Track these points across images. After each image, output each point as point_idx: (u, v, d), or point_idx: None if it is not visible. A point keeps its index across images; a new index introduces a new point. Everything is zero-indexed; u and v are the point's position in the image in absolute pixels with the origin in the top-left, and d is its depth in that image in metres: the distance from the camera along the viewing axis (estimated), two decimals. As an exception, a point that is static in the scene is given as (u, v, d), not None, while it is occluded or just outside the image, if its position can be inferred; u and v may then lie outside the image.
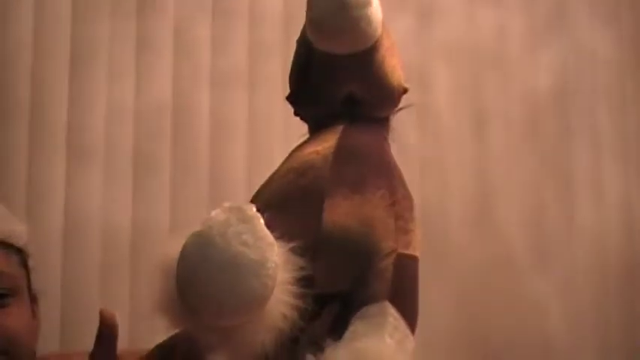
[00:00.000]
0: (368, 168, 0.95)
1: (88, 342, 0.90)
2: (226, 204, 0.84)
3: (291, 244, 0.84)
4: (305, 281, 0.88)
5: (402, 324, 0.87)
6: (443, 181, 2.39)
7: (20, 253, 1.29)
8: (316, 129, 1.07)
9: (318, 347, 0.82)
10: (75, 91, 2.13)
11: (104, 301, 2.04)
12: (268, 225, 0.83)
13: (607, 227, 2.48)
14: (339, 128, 1.01)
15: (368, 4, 0.99)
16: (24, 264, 1.25)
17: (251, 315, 0.79)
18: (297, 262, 0.84)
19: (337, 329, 0.86)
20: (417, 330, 0.93)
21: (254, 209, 0.82)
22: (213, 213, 0.84)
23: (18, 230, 1.29)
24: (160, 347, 0.94)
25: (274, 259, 0.80)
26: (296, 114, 1.15)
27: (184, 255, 0.80)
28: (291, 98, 1.13)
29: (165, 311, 0.82)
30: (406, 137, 2.33)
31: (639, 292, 2.47)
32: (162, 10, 2.23)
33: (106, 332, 0.84)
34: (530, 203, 2.45)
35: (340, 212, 0.90)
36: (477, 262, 2.37)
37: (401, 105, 1.14)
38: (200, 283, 0.78)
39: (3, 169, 2.04)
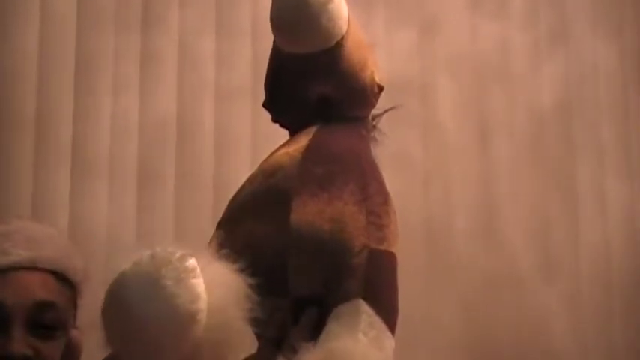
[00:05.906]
0: (337, 166, 0.92)
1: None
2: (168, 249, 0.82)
3: (247, 283, 0.83)
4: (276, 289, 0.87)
5: (377, 321, 0.85)
6: (447, 195, 2.39)
7: (73, 289, 1.29)
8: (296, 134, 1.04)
9: (294, 351, 0.81)
10: (80, 104, 2.14)
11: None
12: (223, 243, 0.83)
13: (611, 240, 2.47)
14: (313, 129, 0.98)
15: (328, 0, 0.95)
16: (74, 301, 1.25)
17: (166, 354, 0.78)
18: (246, 307, 0.83)
19: (316, 333, 0.84)
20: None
21: (192, 262, 0.81)
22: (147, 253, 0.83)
23: (76, 266, 1.29)
24: None
25: (188, 316, 0.79)
26: (274, 121, 1.11)
27: (109, 289, 0.80)
28: (266, 105, 1.10)
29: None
30: (411, 151, 2.33)
31: (644, 305, 2.46)
32: (167, 25, 2.24)
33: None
34: (535, 216, 2.44)
35: (308, 211, 0.87)
36: (483, 275, 2.36)
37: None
38: (112, 320, 0.79)
39: (8, 183, 2.05)
